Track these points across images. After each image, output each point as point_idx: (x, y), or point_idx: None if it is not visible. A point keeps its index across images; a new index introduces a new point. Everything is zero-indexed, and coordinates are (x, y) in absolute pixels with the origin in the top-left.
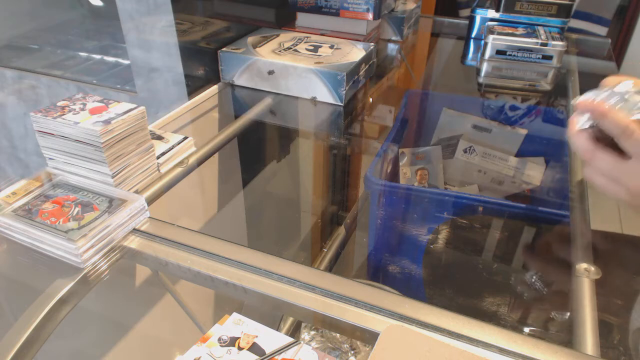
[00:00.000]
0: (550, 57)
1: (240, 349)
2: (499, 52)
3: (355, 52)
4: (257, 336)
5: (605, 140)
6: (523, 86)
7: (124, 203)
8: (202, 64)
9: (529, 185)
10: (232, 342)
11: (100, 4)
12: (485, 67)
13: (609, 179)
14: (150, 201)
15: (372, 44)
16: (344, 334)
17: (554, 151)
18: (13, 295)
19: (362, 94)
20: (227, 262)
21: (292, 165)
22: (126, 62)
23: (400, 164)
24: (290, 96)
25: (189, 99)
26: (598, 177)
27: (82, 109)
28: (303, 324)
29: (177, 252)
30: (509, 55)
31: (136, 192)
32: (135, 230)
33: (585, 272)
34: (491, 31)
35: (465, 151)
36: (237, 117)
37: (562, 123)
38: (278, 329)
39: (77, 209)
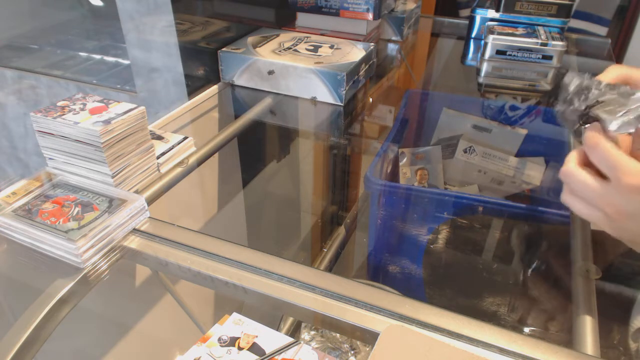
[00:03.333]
0: (550, 57)
1: (240, 349)
2: (499, 52)
3: (355, 52)
4: (257, 336)
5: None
6: (523, 86)
7: (124, 203)
8: (202, 64)
9: (529, 185)
10: (232, 342)
11: (100, 4)
12: (485, 67)
13: (586, 202)
14: (150, 201)
15: (372, 44)
16: (344, 334)
17: (554, 151)
18: (13, 295)
19: (362, 94)
20: (227, 262)
21: (292, 165)
22: (126, 62)
23: (400, 164)
24: (290, 96)
25: (189, 99)
26: (575, 201)
27: (82, 109)
28: (303, 324)
29: (177, 252)
30: (509, 55)
31: (136, 192)
32: (135, 230)
33: (585, 272)
34: (491, 31)
35: (465, 151)
36: (237, 117)
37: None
38: (278, 329)
39: (77, 209)
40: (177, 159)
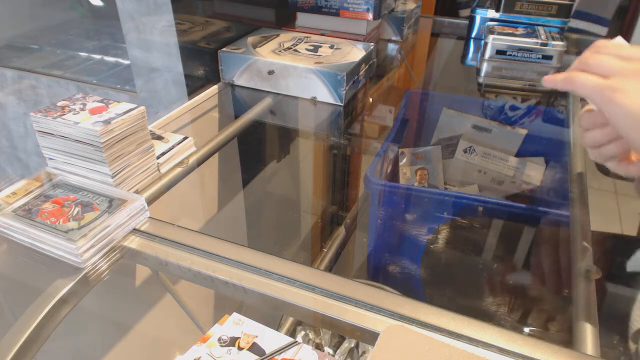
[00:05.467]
0: (550, 57)
1: (240, 349)
2: (499, 52)
3: (355, 52)
4: (257, 336)
5: None
6: (523, 86)
7: (124, 203)
8: (202, 64)
9: (529, 185)
10: (232, 342)
11: (100, 4)
12: (485, 67)
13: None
14: (150, 201)
15: (372, 44)
16: (344, 334)
17: (554, 151)
18: (13, 295)
19: (362, 94)
20: (227, 262)
21: (292, 165)
22: (126, 62)
23: (400, 164)
24: (290, 96)
25: (189, 99)
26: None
27: (82, 109)
28: (299, 327)
29: (177, 252)
30: (509, 55)
31: (136, 192)
32: (135, 230)
33: (585, 272)
34: (491, 31)
35: (465, 151)
36: (237, 117)
37: (562, 123)
38: (278, 329)
39: (77, 209)
40: (177, 159)
